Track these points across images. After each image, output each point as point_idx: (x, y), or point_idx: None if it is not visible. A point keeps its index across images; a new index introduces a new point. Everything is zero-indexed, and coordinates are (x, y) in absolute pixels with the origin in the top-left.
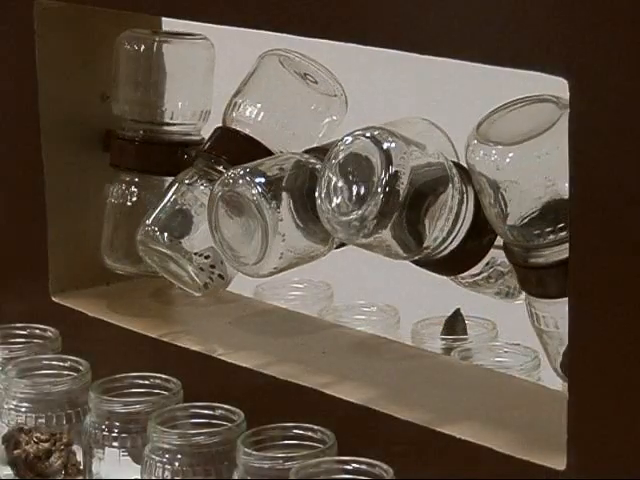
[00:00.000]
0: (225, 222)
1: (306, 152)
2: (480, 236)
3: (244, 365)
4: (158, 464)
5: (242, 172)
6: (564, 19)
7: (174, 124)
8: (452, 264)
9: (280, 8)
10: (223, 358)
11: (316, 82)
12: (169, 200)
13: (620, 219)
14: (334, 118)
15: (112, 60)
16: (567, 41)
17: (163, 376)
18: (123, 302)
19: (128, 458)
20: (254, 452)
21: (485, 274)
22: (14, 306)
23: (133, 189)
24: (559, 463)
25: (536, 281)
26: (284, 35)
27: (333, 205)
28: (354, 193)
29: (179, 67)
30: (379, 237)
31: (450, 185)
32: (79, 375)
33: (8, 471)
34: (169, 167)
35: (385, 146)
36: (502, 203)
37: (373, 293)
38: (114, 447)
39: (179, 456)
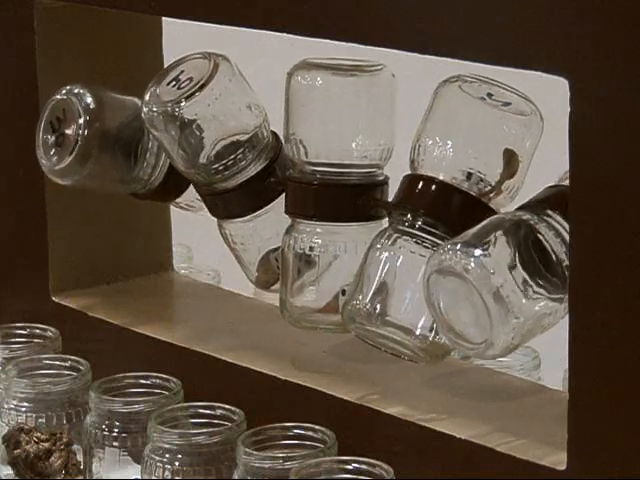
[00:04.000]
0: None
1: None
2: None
3: (244, 365)
4: (158, 464)
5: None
6: (564, 19)
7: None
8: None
9: (280, 8)
10: (223, 358)
11: None
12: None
13: (620, 219)
14: None
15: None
16: (567, 41)
17: (163, 376)
18: (123, 302)
19: (128, 458)
20: (254, 452)
21: None
22: (14, 306)
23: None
24: (559, 463)
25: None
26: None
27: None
28: None
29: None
30: None
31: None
32: (79, 375)
33: (8, 471)
34: None
35: None
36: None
37: None
38: (114, 447)
39: (179, 456)
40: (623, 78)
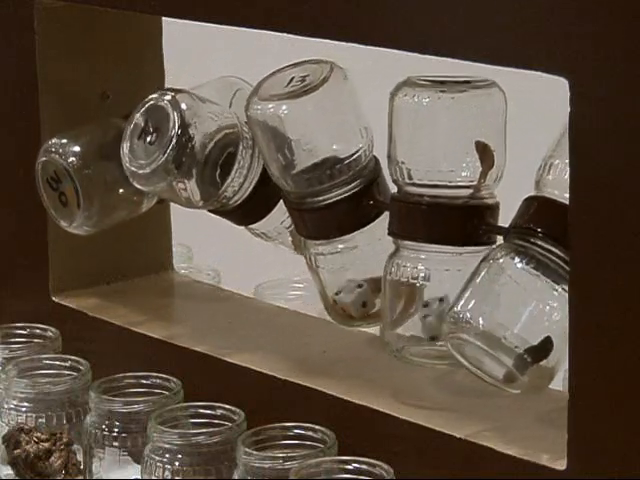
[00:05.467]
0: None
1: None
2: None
3: (244, 365)
4: (158, 464)
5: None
6: (564, 19)
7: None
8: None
9: (280, 8)
10: (223, 358)
11: None
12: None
13: (620, 219)
14: None
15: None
16: (567, 41)
17: (163, 376)
18: (123, 302)
19: (128, 458)
20: (254, 452)
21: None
22: (14, 306)
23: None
24: (559, 463)
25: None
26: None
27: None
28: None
29: None
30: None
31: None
32: (79, 375)
33: (8, 471)
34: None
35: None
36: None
37: None
38: (114, 447)
39: (179, 456)
40: (623, 78)
